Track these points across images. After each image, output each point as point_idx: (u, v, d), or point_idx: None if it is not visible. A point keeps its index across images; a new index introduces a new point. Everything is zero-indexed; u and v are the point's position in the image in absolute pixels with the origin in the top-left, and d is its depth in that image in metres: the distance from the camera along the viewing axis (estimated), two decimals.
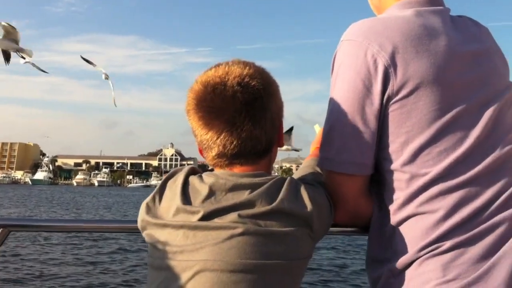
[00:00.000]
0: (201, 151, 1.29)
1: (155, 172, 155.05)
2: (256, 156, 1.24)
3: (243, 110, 1.19)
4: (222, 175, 1.20)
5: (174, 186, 1.21)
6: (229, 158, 1.22)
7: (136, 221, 1.26)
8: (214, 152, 1.23)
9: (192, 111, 1.24)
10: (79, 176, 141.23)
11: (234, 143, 1.20)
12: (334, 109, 1.31)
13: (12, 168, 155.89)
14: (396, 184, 1.29)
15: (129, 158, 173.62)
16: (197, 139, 1.27)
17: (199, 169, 1.29)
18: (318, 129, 1.87)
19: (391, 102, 1.26)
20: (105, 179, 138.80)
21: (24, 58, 11.00)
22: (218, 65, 1.27)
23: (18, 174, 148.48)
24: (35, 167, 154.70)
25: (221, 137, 1.20)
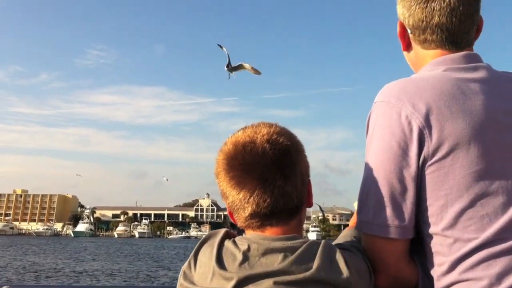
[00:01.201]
0: (231, 214, 1.28)
1: (194, 223, 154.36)
2: (288, 215, 1.24)
3: (274, 165, 1.20)
4: (254, 238, 1.20)
5: (209, 251, 1.20)
6: (261, 218, 1.22)
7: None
8: (247, 212, 1.22)
9: (223, 172, 1.25)
10: (120, 228, 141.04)
11: (268, 201, 1.20)
12: (370, 172, 1.30)
13: (51, 220, 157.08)
14: (438, 249, 1.27)
15: (166, 209, 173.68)
16: (228, 200, 1.26)
17: (233, 232, 1.28)
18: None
19: (427, 164, 1.24)
20: (145, 231, 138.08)
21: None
22: (245, 127, 1.29)
23: (58, 226, 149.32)
24: (74, 219, 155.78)
25: (254, 195, 1.20)
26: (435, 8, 1.37)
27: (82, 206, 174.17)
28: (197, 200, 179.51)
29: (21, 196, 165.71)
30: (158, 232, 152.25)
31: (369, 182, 1.31)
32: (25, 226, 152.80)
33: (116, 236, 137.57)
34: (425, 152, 1.24)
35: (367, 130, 1.36)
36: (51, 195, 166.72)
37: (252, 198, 1.20)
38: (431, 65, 1.40)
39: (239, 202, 1.23)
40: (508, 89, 1.35)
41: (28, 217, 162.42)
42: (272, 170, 1.21)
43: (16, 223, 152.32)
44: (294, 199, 1.23)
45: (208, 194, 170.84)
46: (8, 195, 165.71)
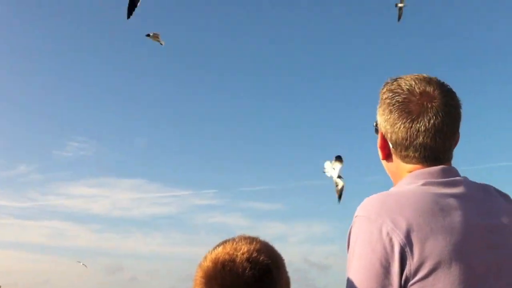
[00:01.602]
0: None
1: None
2: None
3: (254, 286, 1.18)
4: None
5: None
6: None
7: None
8: None
9: None
10: None
11: None
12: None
13: None
14: None
15: None
16: None
17: None
18: None
19: (409, 284, 1.23)
20: None
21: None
22: (225, 242, 1.29)
23: None
24: None
25: None
26: (420, 129, 1.40)
27: None
28: None
29: None
30: None
31: None
32: None
33: None
34: (406, 270, 1.23)
35: (348, 244, 1.35)
36: None
37: None
38: (411, 178, 1.41)
39: None
40: (488, 204, 1.38)
41: None
42: None
43: None
44: None
45: None
46: None
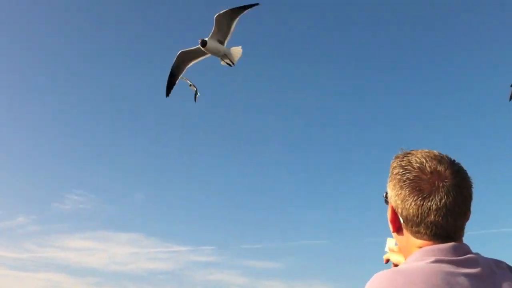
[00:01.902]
0: None
1: None
2: None
3: None
4: None
5: None
6: None
7: None
8: None
9: None
10: None
11: None
12: None
13: None
14: None
15: None
16: None
17: None
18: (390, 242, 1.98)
19: None
20: None
21: (231, 65, 8.41)
22: None
23: None
24: None
25: None
26: (432, 208, 1.40)
27: None
28: None
29: None
30: None
31: None
32: None
33: None
34: None
35: None
36: None
37: None
38: (420, 254, 1.40)
39: None
40: (500, 284, 1.36)
41: None
42: None
43: None
44: None
45: None
46: None
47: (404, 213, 1.45)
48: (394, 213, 1.50)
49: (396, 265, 2.09)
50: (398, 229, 1.52)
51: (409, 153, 1.51)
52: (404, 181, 1.44)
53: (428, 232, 1.42)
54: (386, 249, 2.12)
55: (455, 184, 1.41)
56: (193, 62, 8.13)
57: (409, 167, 1.46)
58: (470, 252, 1.41)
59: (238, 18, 8.01)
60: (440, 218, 1.39)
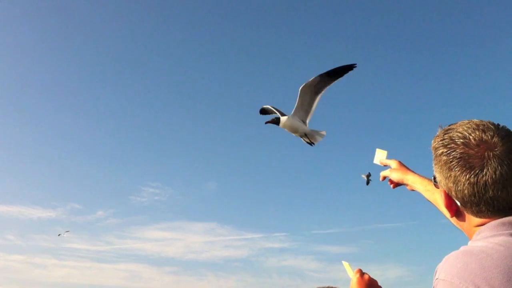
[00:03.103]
0: None
1: None
2: None
3: None
4: None
5: None
6: None
7: None
8: None
9: None
10: None
11: None
12: None
13: None
14: None
15: None
16: None
17: None
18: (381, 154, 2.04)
19: None
20: None
21: (312, 144, 7.05)
22: None
23: None
24: None
25: None
26: (488, 183, 1.28)
27: None
28: None
29: None
30: None
31: None
32: None
33: None
34: None
35: None
36: None
37: None
38: (490, 230, 1.30)
39: None
40: None
41: None
42: None
43: None
44: None
45: None
46: None
47: (459, 195, 1.34)
48: (448, 197, 1.40)
49: (397, 183, 2.03)
50: (456, 213, 1.42)
51: (449, 129, 1.41)
52: (451, 161, 1.34)
53: (490, 209, 1.32)
54: (376, 161, 2.12)
55: (507, 151, 1.30)
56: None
57: (452, 144, 1.35)
58: None
59: (324, 91, 6.69)
60: (499, 191, 1.29)
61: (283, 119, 6.57)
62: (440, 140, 1.40)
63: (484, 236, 1.31)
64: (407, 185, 1.98)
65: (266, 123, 6.69)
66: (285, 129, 6.71)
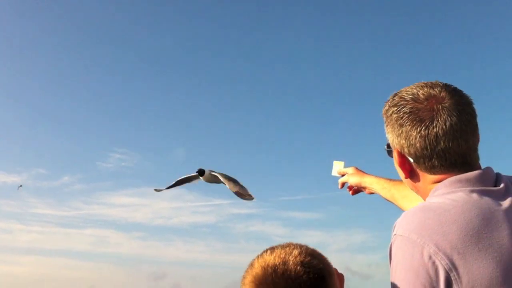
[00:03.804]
0: None
1: None
2: None
3: None
4: None
5: None
6: None
7: None
8: None
9: None
10: None
11: None
12: None
13: None
14: None
15: None
16: None
17: None
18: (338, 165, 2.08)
19: None
20: None
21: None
22: (272, 248, 1.21)
23: None
24: None
25: None
26: (438, 134, 1.28)
27: None
28: None
29: None
30: None
31: None
32: None
33: None
34: None
35: (390, 261, 1.25)
36: None
37: None
38: (445, 187, 1.30)
39: None
40: None
41: None
42: None
43: None
44: None
45: None
46: None
47: (412, 151, 1.34)
48: (401, 156, 1.38)
49: (354, 189, 2.11)
50: (410, 173, 1.41)
51: (398, 92, 1.41)
52: (402, 117, 1.34)
53: (443, 163, 1.31)
54: (334, 173, 2.15)
55: (455, 103, 1.30)
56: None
57: (402, 101, 1.35)
58: (500, 179, 1.32)
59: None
60: (450, 142, 1.28)
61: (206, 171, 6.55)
62: (390, 102, 1.40)
63: (440, 193, 1.30)
64: (365, 188, 2.02)
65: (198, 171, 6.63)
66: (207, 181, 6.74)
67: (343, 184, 2.11)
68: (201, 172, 6.59)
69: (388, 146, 1.46)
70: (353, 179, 2.04)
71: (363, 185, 2.02)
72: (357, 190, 2.09)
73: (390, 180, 1.94)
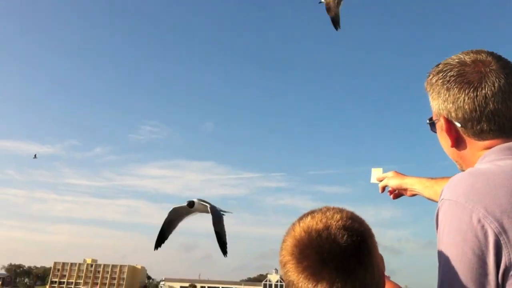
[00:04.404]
0: None
1: None
2: None
3: (352, 253, 1.10)
4: None
5: None
6: None
7: None
8: None
9: (292, 261, 1.13)
10: None
11: None
12: (446, 279, 1.18)
13: None
14: None
15: (233, 283, 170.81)
16: None
17: None
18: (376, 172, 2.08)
19: (510, 274, 1.11)
20: None
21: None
22: (312, 213, 1.20)
23: None
24: None
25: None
26: (487, 95, 1.27)
27: (149, 278, 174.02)
28: (263, 275, 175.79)
29: (91, 265, 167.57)
30: None
31: None
32: None
33: None
34: (505, 261, 1.11)
35: (437, 226, 1.23)
36: (121, 266, 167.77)
37: None
38: (496, 154, 1.28)
39: None
40: None
41: (98, 287, 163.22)
42: (351, 259, 1.10)
43: None
44: None
45: (276, 270, 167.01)
46: (79, 264, 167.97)
47: (460, 114, 1.32)
48: (448, 122, 1.37)
49: (395, 192, 2.08)
50: (456, 141, 1.39)
51: (441, 62, 1.40)
52: (449, 81, 1.33)
53: (492, 127, 1.30)
54: (373, 180, 2.15)
55: (502, 67, 1.31)
56: (184, 218, 7.55)
57: (448, 66, 1.35)
58: None
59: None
60: (499, 104, 1.28)
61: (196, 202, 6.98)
62: (434, 70, 1.40)
63: (489, 160, 1.29)
64: (406, 190, 1.98)
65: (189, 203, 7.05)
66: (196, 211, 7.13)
67: (383, 188, 2.09)
68: (190, 204, 7.00)
69: (430, 119, 1.44)
70: (393, 181, 2.01)
71: (404, 186, 1.98)
72: (398, 194, 2.06)
73: (432, 178, 1.90)
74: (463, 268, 1.14)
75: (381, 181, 2.10)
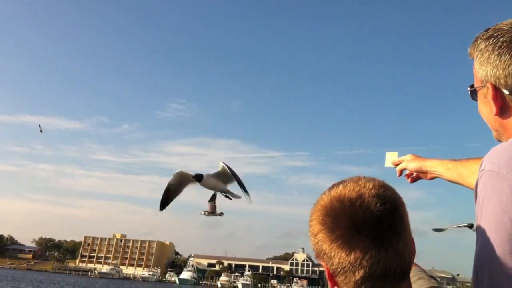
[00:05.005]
0: (332, 276, 1.13)
1: (295, 278, 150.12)
2: (400, 277, 1.11)
3: (386, 221, 1.09)
4: None
5: None
6: (374, 281, 1.08)
7: None
8: (358, 275, 1.08)
9: (325, 230, 1.11)
10: (223, 278, 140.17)
11: (382, 262, 1.07)
12: (484, 251, 1.17)
13: (149, 266, 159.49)
14: None
15: (258, 261, 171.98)
16: (332, 262, 1.11)
17: None
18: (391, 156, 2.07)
19: None
20: (248, 282, 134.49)
21: (230, 198, 7.66)
22: (343, 181, 1.18)
23: (157, 272, 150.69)
24: (170, 265, 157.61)
25: (367, 256, 1.07)
26: None
27: (177, 253, 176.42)
28: (289, 254, 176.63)
29: (121, 240, 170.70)
30: (259, 285, 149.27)
31: (484, 262, 1.17)
32: (131, 271, 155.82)
33: (219, 286, 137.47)
34: None
35: (475, 198, 1.22)
36: (150, 241, 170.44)
37: (365, 259, 1.07)
38: None
39: (349, 265, 1.08)
40: None
41: (127, 262, 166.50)
42: (384, 227, 1.08)
43: (123, 268, 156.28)
44: (406, 258, 1.11)
45: (303, 249, 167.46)
46: (109, 239, 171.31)
47: (509, 81, 1.28)
48: (495, 89, 1.33)
49: (413, 176, 1.99)
50: (501, 109, 1.35)
51: (489, 28, 1.35)
52: (500, 47, 1.29)
53: None
54: (388, 164, 2.11)
55: None
56: (190, 184, 7.38)
57: (499, 31, 1.31)
58: None
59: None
60: None
61: (205, 176, 6.88)
62: (483, 36, 1.35)
63: None
64: (426, 173, 1.94)
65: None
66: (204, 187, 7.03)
67: (401, 172, 2.04)
68: (198, 177, 6.93)
69: (471, 86, 1.40)
70: (412, 164, 1.95)
71: (424, 169, 1.94)
72: (416, 177, 2.03)
73: (455, 160, 1.83)
74: (502, 240, 1.12)
75: (397, 165, 2.08)
